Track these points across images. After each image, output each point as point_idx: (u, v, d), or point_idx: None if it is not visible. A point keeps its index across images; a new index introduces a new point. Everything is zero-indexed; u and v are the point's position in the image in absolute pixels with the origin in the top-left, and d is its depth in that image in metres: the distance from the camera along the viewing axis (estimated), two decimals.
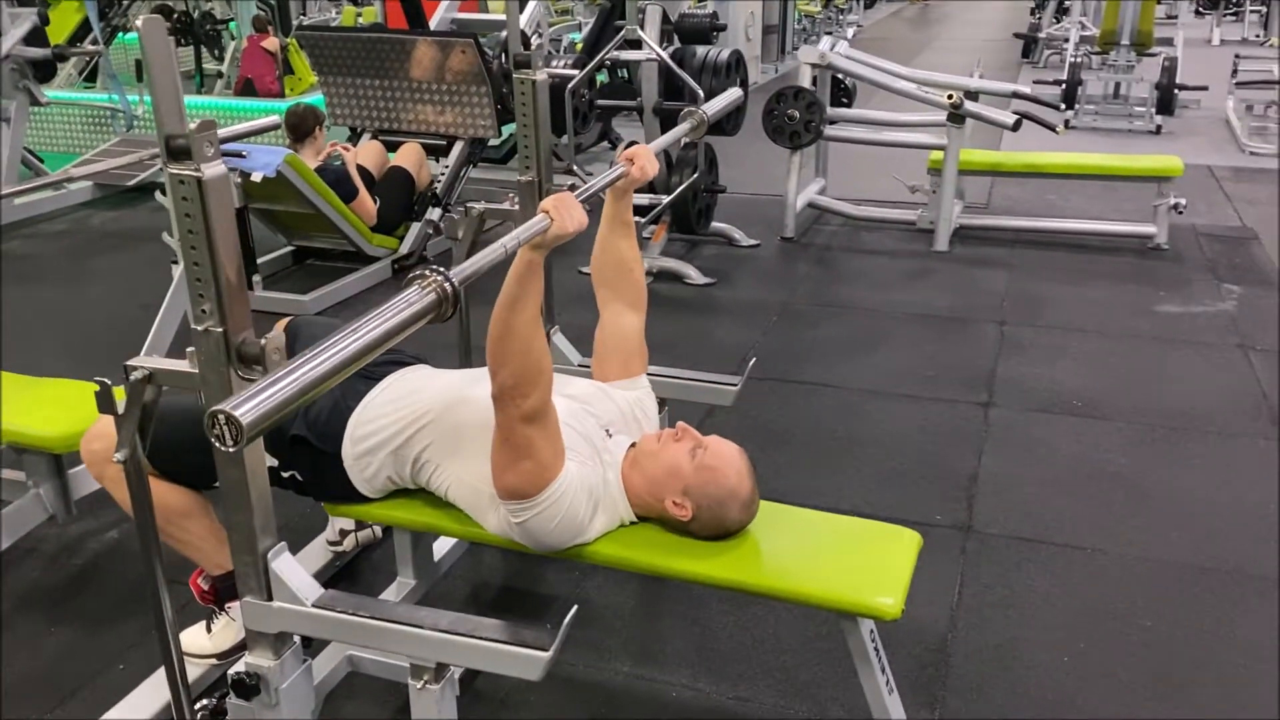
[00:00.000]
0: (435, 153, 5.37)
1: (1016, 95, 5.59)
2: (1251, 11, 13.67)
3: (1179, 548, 2.73)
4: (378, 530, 2.58)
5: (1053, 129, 5.52)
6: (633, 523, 2.03)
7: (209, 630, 2.21)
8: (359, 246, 4.90)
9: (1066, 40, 10.33)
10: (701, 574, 1.94)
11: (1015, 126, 4.87)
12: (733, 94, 2.96)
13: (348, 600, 1.74)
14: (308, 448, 2.03)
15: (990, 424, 3.43)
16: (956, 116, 4.98)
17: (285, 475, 2.04)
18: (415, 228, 5.12)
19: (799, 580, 1.93)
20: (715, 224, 5.35)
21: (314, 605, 1.70)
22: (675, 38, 5.08)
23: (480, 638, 1.61)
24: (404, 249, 5.06)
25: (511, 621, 1.68)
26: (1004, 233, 5.45)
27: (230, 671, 1.74)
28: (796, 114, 5.16)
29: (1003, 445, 3.29)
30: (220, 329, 1.53)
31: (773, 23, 10.89)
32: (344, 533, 2.55)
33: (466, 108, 5.21)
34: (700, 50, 4.96)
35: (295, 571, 1.71)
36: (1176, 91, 8.29)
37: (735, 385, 2.52)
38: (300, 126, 4.85)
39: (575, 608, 1.65)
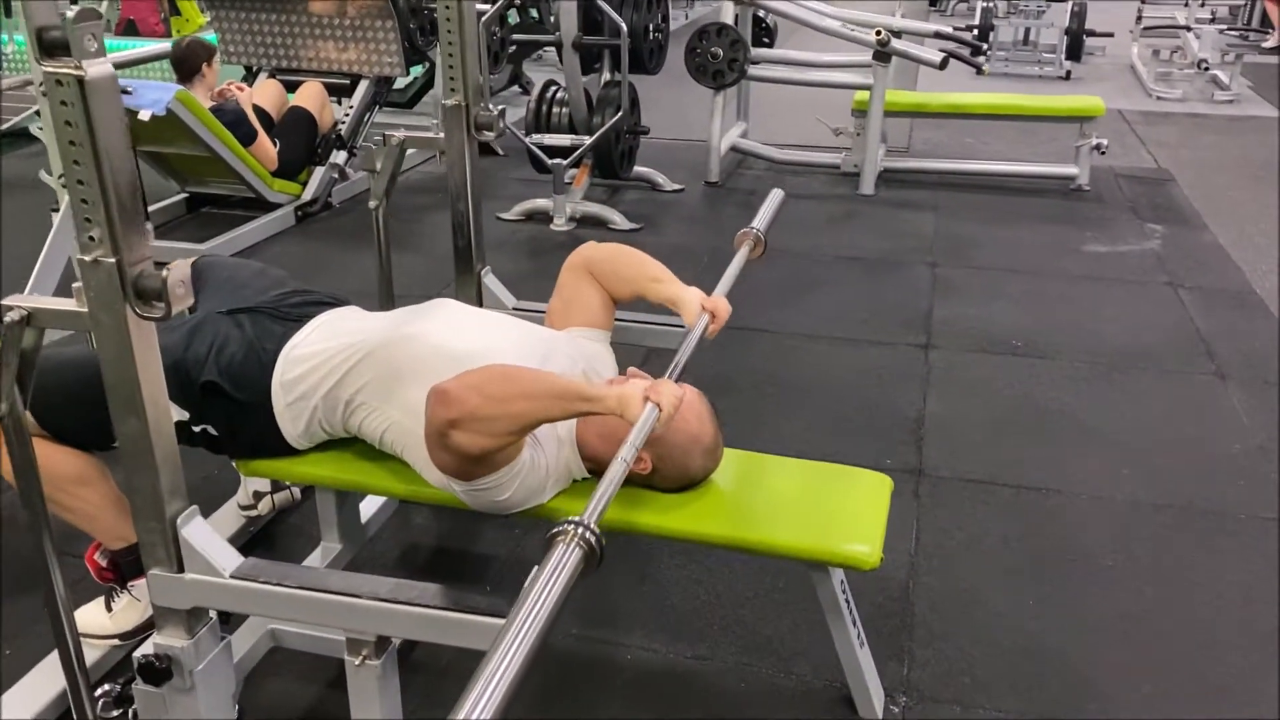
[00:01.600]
0: (338, 93, 5.05)
1: (938, 35, 5.50)
2: None
3: (1131, 485, 2.68)
4: (296, 491, 2.36)
5: (979, 68, 5.46)
6: (584, 479, 1.87)
7: (109, 609, 1.98)
8: (259, 192, 4.58)
9: None
10: (665, 528, 1.79)
11: (943, 65, 4.78)
12: (775, 196, 2.59)
13: (272, 569, 1.54)
14: (223, 398, 1.81)
15: (931, 365, 3.34)
16: (883, 55, 4.87)
17: (196, 430, 1.82)
18: (319, 172, 4.81)
19: (768, 530, 1.79)
20: (637, 168, 5.16)
21: (233, 576, 1.49)
22: None
23: (426, 606, 1.43)
24: (308, 195, 4.76)
25: (455, 586, 1.51)
26: (928, 175, 5.38)
27: (136, 654, 1.53)
28: (720, 52, 4.98)
29: (946, 386, 3.21)
30: (112, 259, 1.30)
31: None
32: (258, 495, 2.32)
33: (371, 44, 4.90)
34: None
35: (210, 539, 1.51)
36: (1085, 37, 8.33)
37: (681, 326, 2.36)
38: (188, 62, 4.47)
39: (535, 571, 1.47)
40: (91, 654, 1.91)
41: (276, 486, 2.32)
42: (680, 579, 2.32)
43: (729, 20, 5.08)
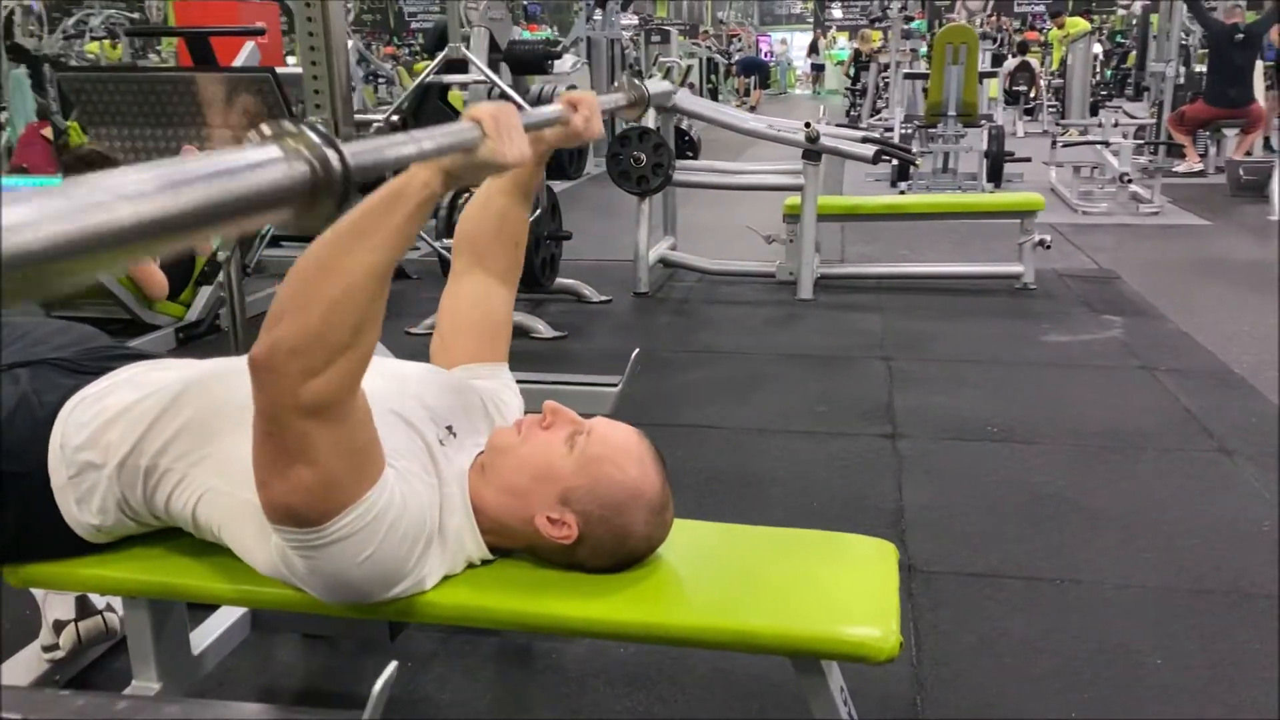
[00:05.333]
0: None
1: (867, 140, 5.32)
2: (1049, 108, 14.41)
3: (1158, 571, 2.24)
4: (111, 618, 1.78)
5: (913, 162, 5.28)
6: (486, 561, 1.37)
7: None
8: (135, 315, 4.08)
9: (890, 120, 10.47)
10: (598, 620, 1.28)
11: (875, 159, 4.56)
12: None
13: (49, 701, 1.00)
14: None
15: (901, 454, 2.90)
16: (813, 154, 4.63)
17: None
18: (205, 292, 4.34)
19: (743, 615, 1.29)
20: (562, 280, 4.78)
21: None
22: (505, 68, 4.57)
23: None
24: (192, 315, 4.26)
25: None
26: (866, 280, 5.08)
27: None
28: (644, 156, 4.70)
29: (922, 475, 2.77)
30: None
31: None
32: (59, 626, 1.74)
33: None
34: (535, 83, 4.46)
35: None
36: (1005, 161, 8.36)
37: (616, 386, 1.92)
38: (78, 172, 4.02)
39: (393, 665, 0.97)
40: None
41: (83, 612, 1.75)
42: (622, 714, 1.79)
43: (651, 124, 4.83)
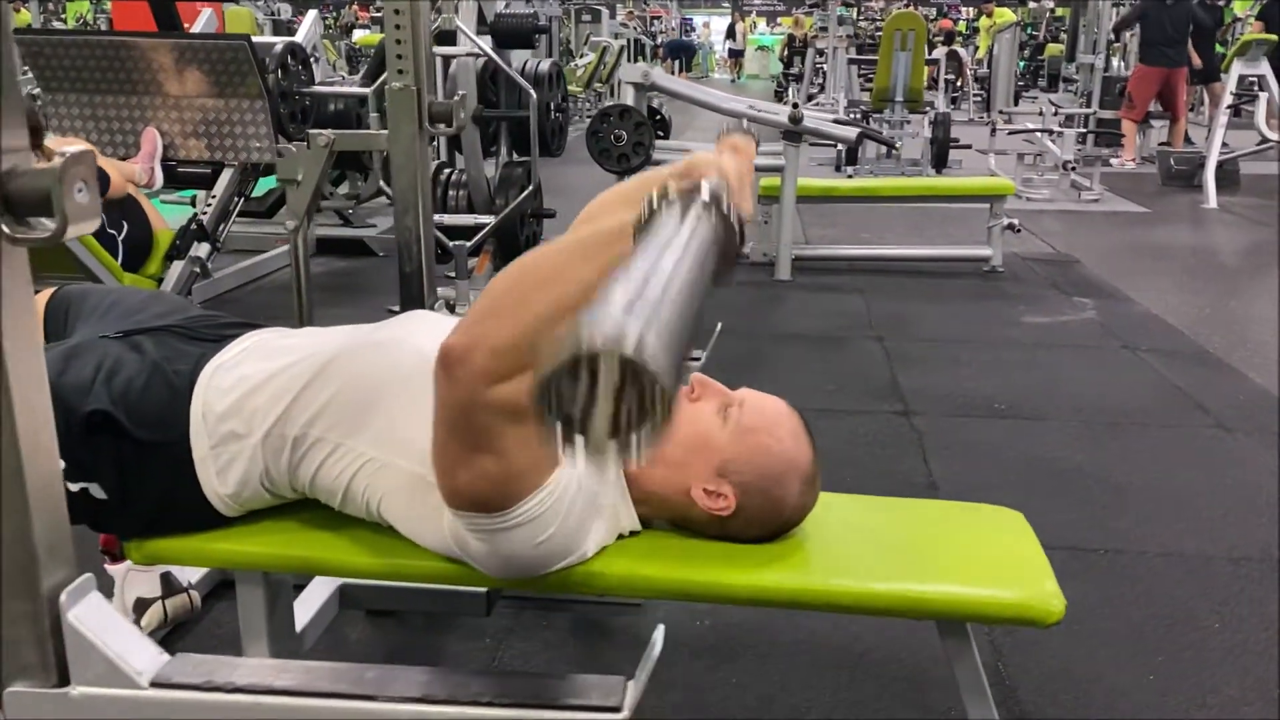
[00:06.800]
0: (197, 184, 4.46)
1: (839, 123, 5.38)
2: (975, 97, 14.76)
3: (1196, 540, 2.32)
4: (195, 596, 1.72)
5: (891, 146, 5.35)
6: (634, 532, 1.35)
7: None
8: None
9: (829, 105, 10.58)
10: (765, 587, 1.28)
11: (858, 141, 4.61)
12: None
13: (232, 669, 0.95)
14: (116, 439, 1.22)
15: (920, 431, 2.96)
16: (794, 135, 4.66)
17: (74, 490, 1.20)
18: (178, 267, 4.17)
19: (901, 581, 1.30)
20: None
21: (156, 684, 0.90)
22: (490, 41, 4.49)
23: (520, 704, 0.88)
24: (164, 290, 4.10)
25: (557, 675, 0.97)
26: (839, 262, 5.14)
27: None
28: (624, 134, 4.66)
29: (944, 450, 2.82)
30: None
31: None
32: (142, 604, 1.67)
33: (238, 127, 4.36)
34: (518, 57, 4.39)
35: (115, 625, 0.92)
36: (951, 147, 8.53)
37: (699, 360, 1.90)
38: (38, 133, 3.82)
39: (660, 628, 0.96)
40: None
41: (169, 590, 1.68)
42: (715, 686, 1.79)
43: (630, 103, 4.80)
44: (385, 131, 1.81)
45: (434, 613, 1.87)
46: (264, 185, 5.58)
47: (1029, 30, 19.62)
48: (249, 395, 1.27)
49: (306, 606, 1.64)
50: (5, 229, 0.79)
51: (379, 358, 1.29)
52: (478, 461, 1.11)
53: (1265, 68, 7.40)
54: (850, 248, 5.27)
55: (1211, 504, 2.50)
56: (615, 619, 1.96)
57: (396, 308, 4.19)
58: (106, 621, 0.91)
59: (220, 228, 4.42)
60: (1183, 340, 3.92)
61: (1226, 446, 2.88)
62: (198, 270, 4.24)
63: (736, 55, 26.07)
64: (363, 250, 5.32)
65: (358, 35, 15.62)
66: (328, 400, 1.26)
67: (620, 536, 1.34)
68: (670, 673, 1.82)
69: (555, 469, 1.16)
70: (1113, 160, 9.03)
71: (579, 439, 0.67)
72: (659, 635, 0.97)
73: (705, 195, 0.92)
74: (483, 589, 1.71)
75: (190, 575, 1.79)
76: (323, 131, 1.83)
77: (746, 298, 4.59)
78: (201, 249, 4.26)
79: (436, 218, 4.26)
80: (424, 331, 1.40)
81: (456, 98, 1.81)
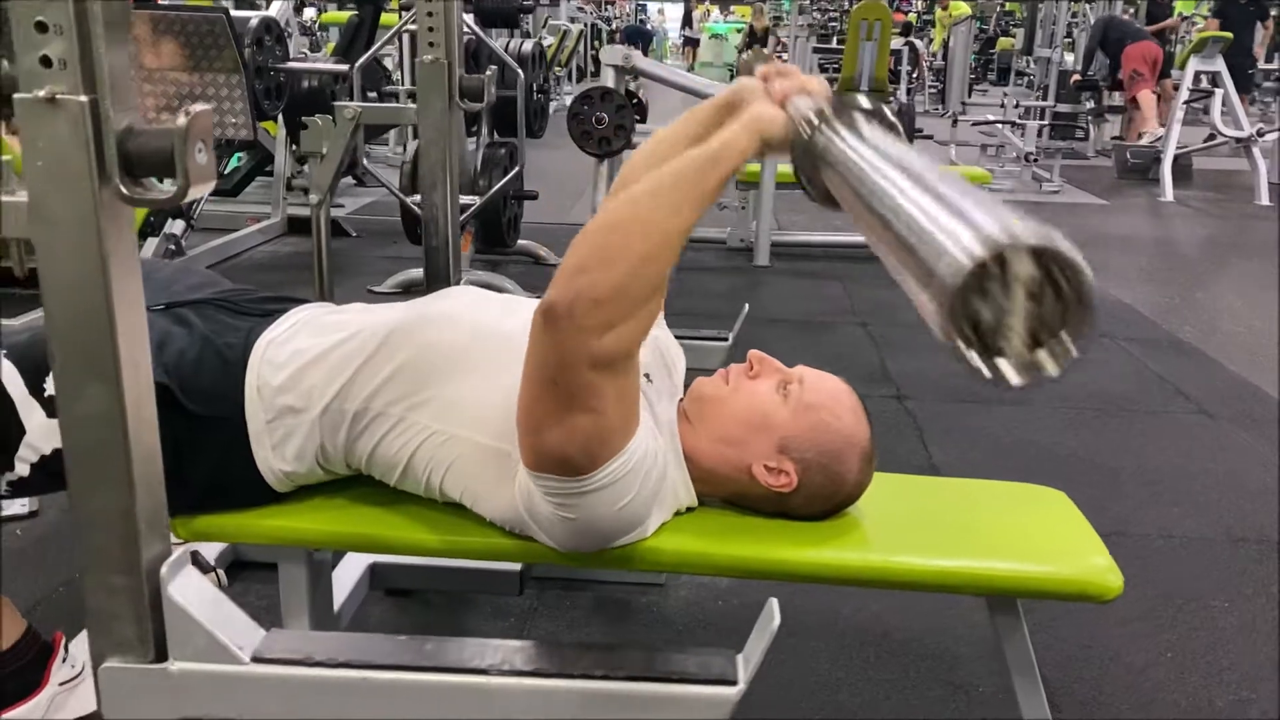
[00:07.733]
0: None
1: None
2: (930, 88, 14.91)
3: (1195, 522, 2.37)
4: (223, 575, 1.68)
5: None
6: (690, 509, 1.34)
7: None
8: None
9: None
10: (826, 564, 1.29)
11: None
12: None
13: (337, 644, 0.93)
14: (169, 411, 1.18)
15: (914, 415, 2.99)
16: None
17: None
18: (152, 243, 4.08)
19: (961, 558, 1.31)
20: (520, 241, 4.69)
21: (257, 659, 0.88)
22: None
23: (637, 677, 0.87)
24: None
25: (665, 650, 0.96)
26: (816, 248, 5.18)
27: None
28: (606, 117, 4.63)
29: (941, 434, 2.85)
30: (82, 97, 0.74)
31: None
32: None
33: (213, 102, 4.26)
34: (498, 39, 4.34)
35: (213, 599, 0.89)
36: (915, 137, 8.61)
37: (726, 341, 1.90)
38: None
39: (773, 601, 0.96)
40: None
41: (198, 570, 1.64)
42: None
43: (611, 85, 4.76)
44: (414, 105, 1.78)
45: (462, 591, 1.85)
46: (230, 165, 5.49)
47: (979, 24, 19.88)
48: (304, 370, 1.24)
49: (340, 585, 1.61)
50: (124, 190, 0.76)
51: (437, 332, 1.27)
52: (571, 419, 1.09)
53: (1220, 64, 7.56)
54: (829, 234, 5.30)
55: (1205, 487, 2.56)
56: (639, 598, 1.96)
57: (380, 288, 4.18)
58: (206, 595, 0.88)
59: (194, 204, 4.33)
60: (1156, 330, 4.00)
61: (1212, 432, 2.95)
62: (172, 247, 4.15)
63: (692, 43, 26.03)
64: (336, 230, 5.23)
65: (308, 13, 15.36)
66: (390, 375, 1.23)
67: (677, 514, 1.33)
68: None
69: (636, 430, 1.15)
70: (1142, 132, 8.71)
71: (1002, 362, 0.63)
72: (774, 607, 0.96)
73: (867, 105, 0.96)
74: (517, 567, 1.70)
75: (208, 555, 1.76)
76: (349, 104, 1.79)
77: (727, 283, 4.60)
78: (176, 225, 4.17)
79: (415, 198, 4.21)
80: (477, 305, 1.38)
81: (488, 74, 1.78)
